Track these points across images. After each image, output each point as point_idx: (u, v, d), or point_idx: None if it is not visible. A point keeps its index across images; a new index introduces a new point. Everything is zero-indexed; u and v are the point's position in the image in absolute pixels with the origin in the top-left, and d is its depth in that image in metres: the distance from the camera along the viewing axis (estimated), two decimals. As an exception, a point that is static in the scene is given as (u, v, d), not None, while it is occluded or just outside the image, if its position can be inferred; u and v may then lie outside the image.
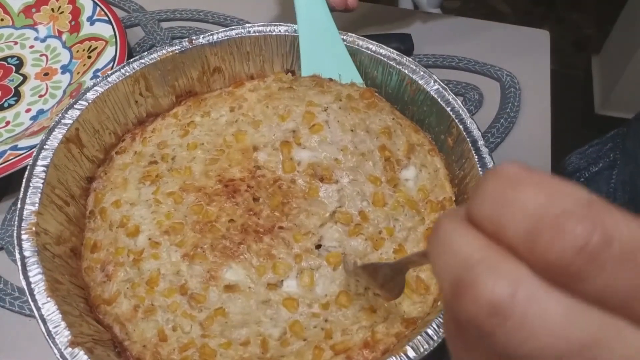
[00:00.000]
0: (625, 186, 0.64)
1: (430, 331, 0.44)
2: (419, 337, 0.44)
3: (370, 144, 0.55)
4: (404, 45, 0.82)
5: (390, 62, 0.63)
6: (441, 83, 0.61)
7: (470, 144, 0.56)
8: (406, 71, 0.63)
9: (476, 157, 0.55)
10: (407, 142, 0.56)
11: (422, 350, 0.44)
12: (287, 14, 0.91)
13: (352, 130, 0.55)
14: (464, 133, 0.57)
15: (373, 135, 0.55)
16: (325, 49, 0.66)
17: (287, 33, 0.67)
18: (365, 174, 0.53)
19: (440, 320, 0.46)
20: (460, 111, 0.58)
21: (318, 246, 0.54)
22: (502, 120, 0.76)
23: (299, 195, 0.52)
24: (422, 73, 0.62)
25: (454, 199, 0.57)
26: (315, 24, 0.66)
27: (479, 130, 0.57)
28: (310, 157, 0.53)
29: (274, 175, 0.53)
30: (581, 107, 2.04)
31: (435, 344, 0.44)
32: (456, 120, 0.58)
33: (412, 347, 0.44)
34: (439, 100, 0.60)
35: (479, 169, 0.54)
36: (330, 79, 0.62)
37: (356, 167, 0.53)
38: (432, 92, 0.60)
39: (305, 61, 0.66)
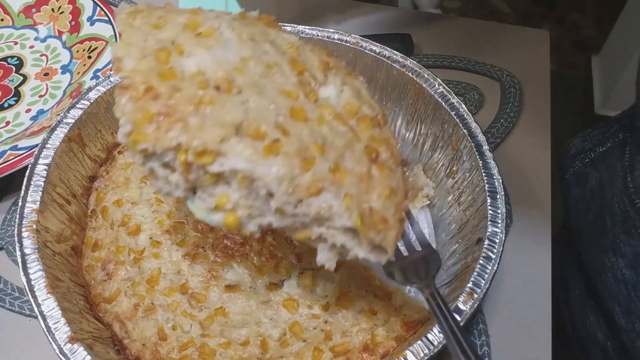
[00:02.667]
0: None
1: (430, 336, 0.44)
2: (419, 341, 0.44)
3: (277, 57, 0.43)
4: (404, 45, 0.82)
5: (394, 65, 0.63)
6: (446, 87, 0.61)
7: (474, 148, 0.56)
8: (410, 73, 0.62)
9: (480, 161, 0.55)
10: (320, 60, 0.45)
11: (422, 355, 0.43)
12: (288, 13, 0.91)
13: (252, 40, 0.42)
14: (469, 137, 0.57)
15: (279, 49, 0.44)
16: None
17: (290, 34, 0.66)
18: (275, 87, 0.40)
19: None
20: (465, 115, 0.58)
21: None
22: (502, 120, 0.76)
23: (184, 105, 0.37)
24: (426, 76, 0.62)
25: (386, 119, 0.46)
26: None
27: (484, 134, 0.57)
28: (198, 64, 0.39)
29: (144, 86, 0.37)
30: (581, 107, 2.05)
31: (436, 350, 0.44)
32: (461, 125, 0.58)
33: (412, 352, 0.44)
34: (443, 103, 0.60)
35: (483, 173, 0.54)
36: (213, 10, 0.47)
37: (263, 79, 0.40)
38: (436, 96, 0.60)
39: None
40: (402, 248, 0.49)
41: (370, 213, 0.38)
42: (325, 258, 0.40)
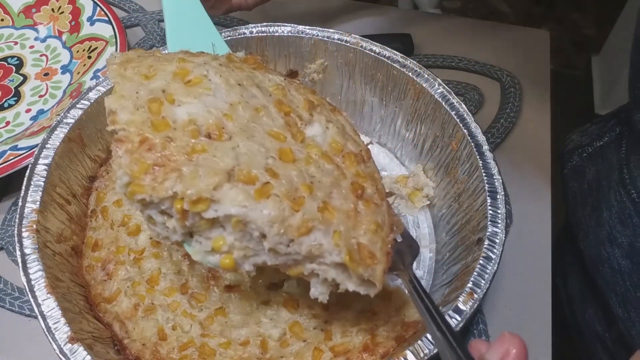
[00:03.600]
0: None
1: (430, 336, 0.44)
2: (419, 341, 0.44)
3: (264, 99, 0.45)
4: (404, 45, 0.82)
5: (394, 65, 0.63)
6: (446, 87, 0.61)
7: (474, 148, 0.56)
8: (410, 74, 0.63)
9: (480, 161, 0.55)
10: (305, 99, 0.47)
11: (422, 355, 0.43)
12: (288, 14, 0.91)
13: (239, 85, 0.45)
14: (469, 137, 0.57)
15: (265, 92, 0.46)
16: (194, 29, 0.59)
17: (290, 34, 0.67)
18: (264, 130, 0.43)
19: None
20: (465, 115, 0.58)
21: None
22: (502, 120, 0.76)
23: (178, 155, 0.39)
24: (426, 76, 0.62)
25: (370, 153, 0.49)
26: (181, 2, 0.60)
27: (484, 134, 0.57)
28: (189, 113, 0.41)
29: (139, 138, 0.39)
30: (581, 107, 2.05)
31: (436, 349, 0.43)
32: (461, 125, 0.58)
33: (411, 352, 0.44)
34: (443, 103, 0.60)
35: (483, 173, 0.54)
36: (203, 52, 0.50)
37: (252, 123, 0.43)
38: (436, 96, 0.61)
39: (172, 38, 0.58)
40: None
41: (358, 248, 0.40)
42: (318, 292, 0.42)
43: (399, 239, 0.51)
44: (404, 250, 0.50)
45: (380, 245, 0.41)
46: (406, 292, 0.54)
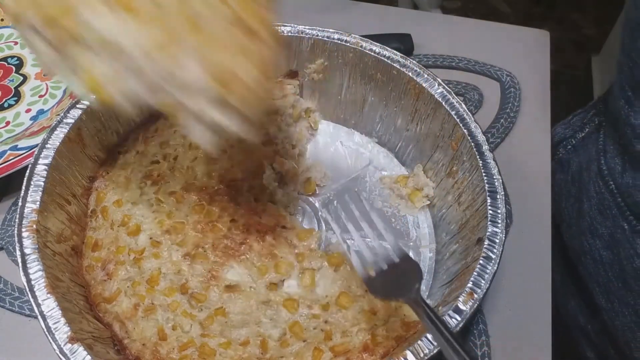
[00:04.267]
0: (618, 142, 0.65)
1: (430, 336, 0.44)
2: (419, 341, 0.44)
3: None
4: (404, 45, 0.82)
5: (394, 65, 0.63)
6: (446, 87, 0.61)
7: (474, 148, 0.56)
8: (410, 74, 0.63)
9: (480, 161, 0.55)
10: None
11: (422, 355, 0.43)
12: (288, 13, 0.91)
13: None
14: (468, 137, 0.57)
15: None
16: None
17: (290, 34, 0.67)
18: None
19: None
20: (465, 115, 0.59)
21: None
22: (502, 120, 0.76)
23: None
24: (426, 76, 0.62)
25: None
26: None
27: (484, 134, 0.57)
28: None
29: None
30: (581, 107, 2.04)
31: (436, 349, 0.44)
32: (461, 125, 0.58)
33: (412, 352, 0.44)
34: (443, 103, 0.60)
35: (483, 173, 0.54)
36: None
37: None
38: (436, 96, 0.61)
39: None
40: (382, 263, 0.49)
41: (232, 77, 0.38)
42: (199, 135, 0.41)
43: (396, 260, 0.49)
44: (401, 277, 0.48)
45: (257, 76, 0.39)
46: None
